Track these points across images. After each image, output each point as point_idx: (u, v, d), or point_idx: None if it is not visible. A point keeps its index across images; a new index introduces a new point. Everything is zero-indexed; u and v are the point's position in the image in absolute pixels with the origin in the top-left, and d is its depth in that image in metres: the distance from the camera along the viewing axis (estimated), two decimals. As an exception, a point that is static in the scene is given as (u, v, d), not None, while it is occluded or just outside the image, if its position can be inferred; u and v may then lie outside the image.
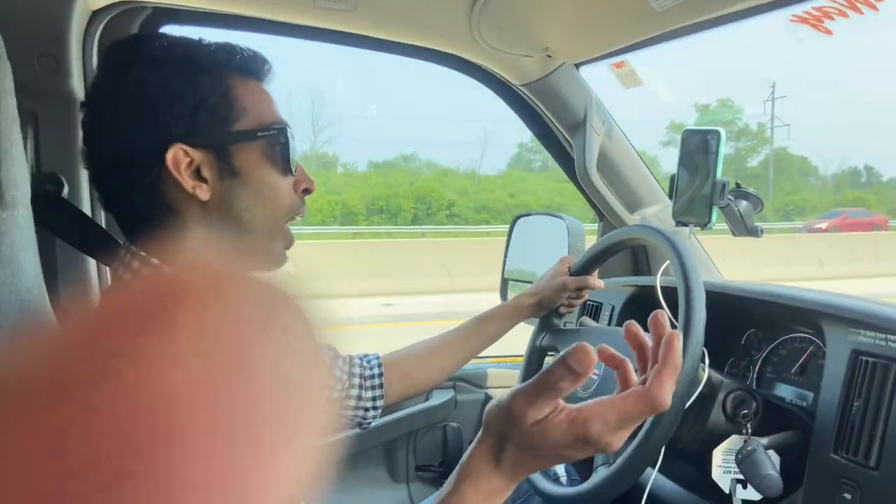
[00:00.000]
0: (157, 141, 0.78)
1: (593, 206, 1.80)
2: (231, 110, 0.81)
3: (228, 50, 0.83)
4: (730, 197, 1.25)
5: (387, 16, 1.39)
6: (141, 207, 0.81)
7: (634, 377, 0.65)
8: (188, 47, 0.82)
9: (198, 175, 0.80)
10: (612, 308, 1.53)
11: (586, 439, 0.58)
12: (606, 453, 0.59)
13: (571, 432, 0.58)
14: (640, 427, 0.96)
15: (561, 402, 0.60)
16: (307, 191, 0.90)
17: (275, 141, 0.84)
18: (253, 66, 0.86)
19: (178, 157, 0.78)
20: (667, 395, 0.58)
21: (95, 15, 1.30)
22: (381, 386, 1.19)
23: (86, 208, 1.29)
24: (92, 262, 1.32)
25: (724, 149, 1.25)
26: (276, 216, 0.86)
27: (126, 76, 0.79)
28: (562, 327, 1.33)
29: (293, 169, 0.87)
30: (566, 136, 1.70)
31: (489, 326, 1.29)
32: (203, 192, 0.80)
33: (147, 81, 0.78)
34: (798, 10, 1.15)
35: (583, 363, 0.54)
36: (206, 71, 0.81)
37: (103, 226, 1.29)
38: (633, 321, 0.65)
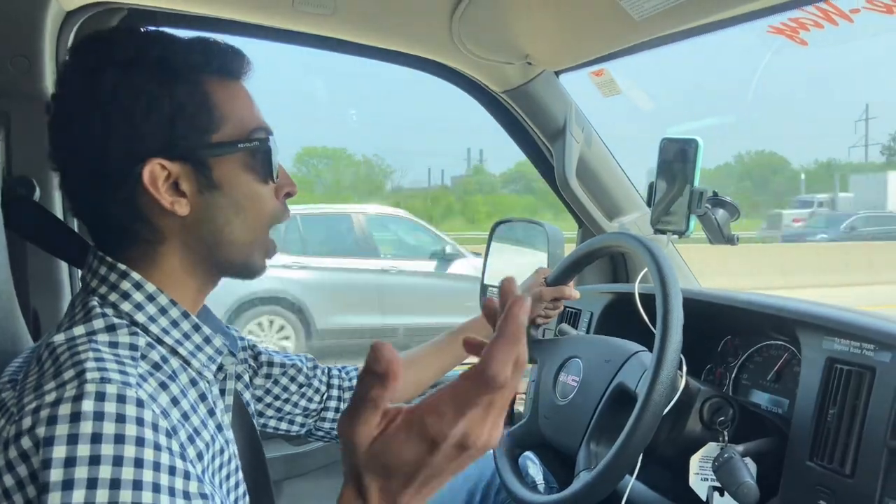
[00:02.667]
0: (132, 154, 0.73)
1: (573, 213, 1.80)
2: (210, 120, 0.76)
3: (205, 50, 0.78)
4: (707, 205, 1.26)
5: (366, 20, 1.39)
6: (116, 220, 0.77)
7: None
8: (163, 48, 0.75)
9: (176, 188, 0.75)
10: (591, 315, 1.53)
11: (430, 437, 0.50)
12: (467, 451, 0.51)
13: (414, 435, 0.50)
14: (617, 434, 0.96)
15: (398, 407, 0.53)
16: (289, 194, 0.86)
17: (256, 150, 0.79)
18: (232, 66, 0.80)
19: (155, 172, 0.74)
20: (499, 367, 0.48)
21: (70, 16, 1.28)
22: None
23: (58, 211, 1.26)
24: (64, 266, 1.29)
25: (702, 157, 1.25)
26: (257, 227, 0.81)
27: (98, 82, 0.73)
28: (539, 338, 1.33)
29: (275, 175, 0.82)
30: (546, 143, 1.70)
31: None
32: (182, 207, 0.76)
33: (121, 89, 0.73)
34: (775, 20, 1.17)
35: (381, 361, 0.48)
36: (183, 76, 0.75)
37: (75, 229, 1.27)
38: (491, 298, 0.57)
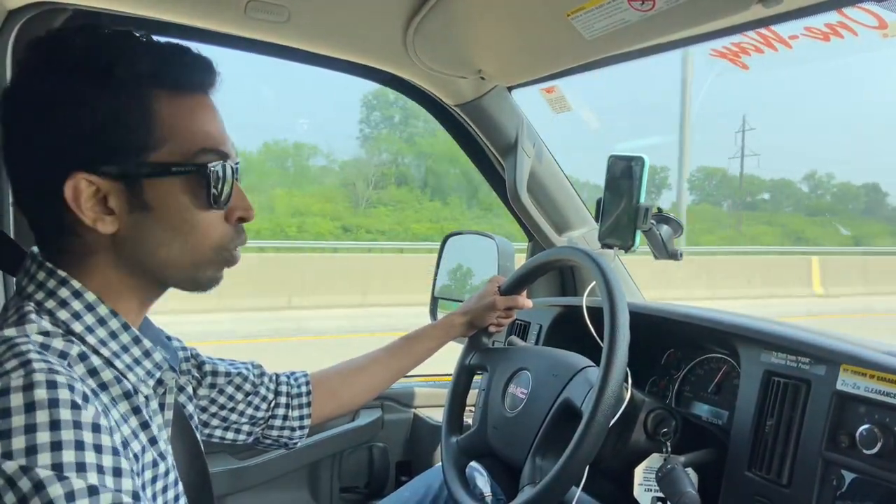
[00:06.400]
0: (59, 165, 0.70)
1: (523, 226, 1.82)
2: (149, 137, 0.71)
3: (159, 59, 0.73)
4: (652, 221, 1.29)
5: (321, 30, 1.38)
6: (46, 227, 0.75)
7: None
8: (111, 55, 0.71)
9: (104, 204, 0.72)
10: (540, 327, 1.55)
11: None
12: None
13: None
14: (562, 449, 0.97)
15: None
16: (242, 219, 0.80)
17: (198, 175, 0.74)
18: (190, 79, 0.75)
19: (80, 188, 0.70)
20: None
21: (12, 15, 1.23)
22: (308, 405, 1.16)
23: (-7, 216, 1.22)
24: (-2, 274, 1.24)
25: (647, 174, 1.29)
26: (198, 252, 0.76)
27: (38, 85, 0.71)
28: (490, 346, 1.34)
29: (223, 201, 0.76)
30: (498, 157, 1.72)
31: (419, 345, 1.28)
32: (106, 225, 0.72)
33: (57, 95, 0.69)
34: (717, 44, 1.21)
35: None
36: (126, 87, 0.70)
37: (11, 234, 1.22)
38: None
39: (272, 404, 1.13)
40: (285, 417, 1.14)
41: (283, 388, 1.15)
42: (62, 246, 0.75)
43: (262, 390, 1.12)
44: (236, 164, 0.79)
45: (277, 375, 1.17)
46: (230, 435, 1.11)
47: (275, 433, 1.14)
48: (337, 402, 1.21)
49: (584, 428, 0.95)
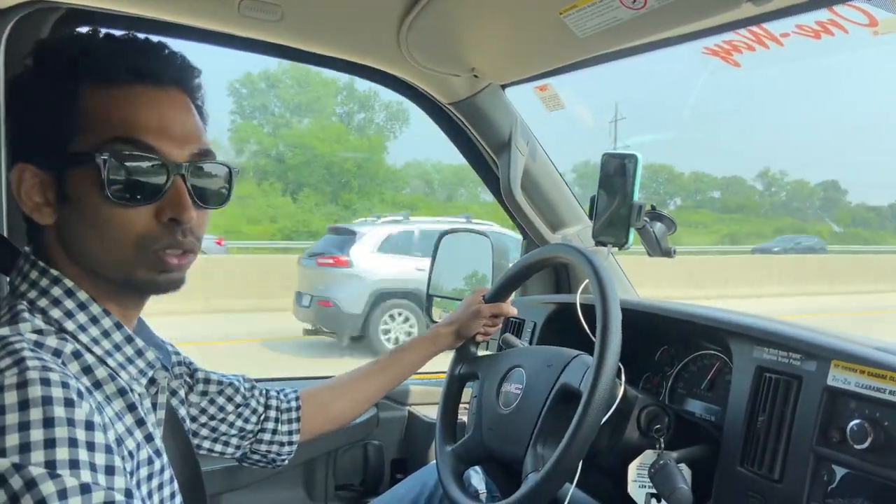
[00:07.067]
0: (10, 155, 0.74)
1: (517, 224, 1.82)
2: (69, 128, 0.71)
3: (83, 49, 0.72)
4: (645, 219, 1.29)
5: (314, 28, 1.38)
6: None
7: None
8: (53, 51, 0.74)
9: (45, 196, 0.73)
10: (534, 325, 1.55)
11: None
12: None
13: None
14: (562, 435, 0.97)
15: None
16: (175, 220, 0.73)
17: (109, 165, 0.69)
18: (116, 67, 0.72)
19: (23, 177, 0.72)
20: None
21: (4, 13, 1.23)
22: (297, 420, 1.16)
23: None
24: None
25: (641, 172, 1.29)
26: (118, 250, 0.72)
27: (13, 83, 0.76)
28: (479, 355, 1.34)
29: (127, 195, 0.71)
30: (492, 155, 1.72)
31: (408, 357, 1.29)
32: (43, 217, 0.73)
33: (22, 89, 0.74)
34: (709, 42, 1.21)
35: None
36: (60, 78, 0.71)
37: (5, 233, 1.22)
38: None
39: (262, 417, 1.13)
40: (274, 432, 1.14)
41: (273, 402, 1.15)
42: (31, 239, 0.77)
43: (253, 403, 1.12)
44: (191, 162, 0.75)
45: (267, 390, 1.16)
46: (218, 447, 1.10)
47: (263, 447, 1.14)
48: (327, 416, 1.21)
49: (584, 404, 0.95)
